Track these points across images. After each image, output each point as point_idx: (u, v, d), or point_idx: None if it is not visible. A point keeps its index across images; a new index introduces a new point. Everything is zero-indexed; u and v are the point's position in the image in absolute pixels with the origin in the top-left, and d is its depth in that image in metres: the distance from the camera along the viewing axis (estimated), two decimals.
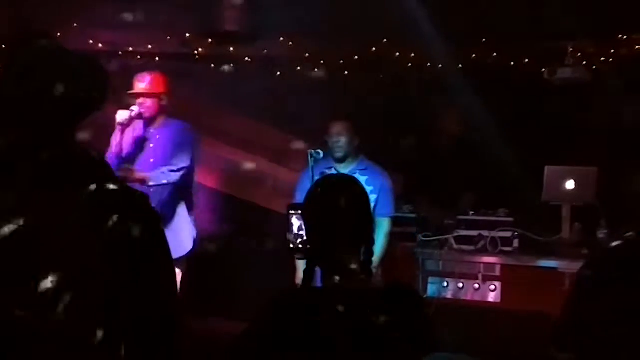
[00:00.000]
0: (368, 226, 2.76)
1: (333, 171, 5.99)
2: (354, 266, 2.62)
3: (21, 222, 1.88)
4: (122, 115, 5.86)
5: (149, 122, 6.06)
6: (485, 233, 6.52)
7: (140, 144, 6.04)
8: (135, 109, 5.92)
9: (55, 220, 1.90)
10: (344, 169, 6.05)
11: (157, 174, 5.90)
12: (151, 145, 6.03)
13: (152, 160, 5.97)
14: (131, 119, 5.92)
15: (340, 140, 6.09)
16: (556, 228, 6.56)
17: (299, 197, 6.15)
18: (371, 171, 6.00)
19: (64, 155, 1.97)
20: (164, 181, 5.90)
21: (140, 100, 5.96)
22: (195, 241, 6.14)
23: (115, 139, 5.89)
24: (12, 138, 1.94)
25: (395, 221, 6.63)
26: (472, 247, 6.55)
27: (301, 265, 6.21)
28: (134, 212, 1.99)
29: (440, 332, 5.75)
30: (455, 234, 6.64)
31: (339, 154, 6.08)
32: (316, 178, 6.20)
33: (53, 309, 1.86)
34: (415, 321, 2.62)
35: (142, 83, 5.98)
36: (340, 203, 2.68)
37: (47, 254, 1.88)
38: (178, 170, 5.94)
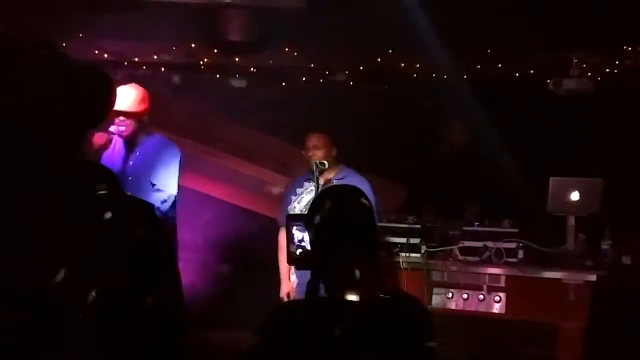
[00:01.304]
0: (372, 237, 2.76)
1: (312, 183, 6.01)
2: (358, 277, 2.62)
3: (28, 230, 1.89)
4: (99, 140, 5.60)
5: (128, 140, 5.81)
6: (490, 244, 6.50)
7: (118, 161, 5.81)
8: (113, 129, 5.65)
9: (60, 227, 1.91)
10: (322, 179, 6.05)
11: None
12: (130, 162, 5.81)
13: (130, 179, 5.70)
14: (109, 142, 5.67)
15: (315, 153, 6.10)
16: (561, 239, 6.54)
17: (282, 208, 6.21)
18: (351, 179, 5.96)
19: (69, 166, 1.98)
20: None
21: (121, 118, 5.68)
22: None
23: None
24: (19, 147, 1.95)
25: (400, 232, 6.63)
26: (476, 258, 6.53)
27: (285, 277, 6.26)
28: (143, 223, 1.99)
29: (445, 343, 5.75)
30: (460, 245, 6.62)
31: (321, 168, 6.05)
32: (298, 190, 6.25)
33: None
34: (419, 332, 2.62)
35: (124, 101, 5.62)
36: (345, 214, 2.68)
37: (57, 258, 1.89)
38: (167, 200, 5.71)
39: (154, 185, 5.74)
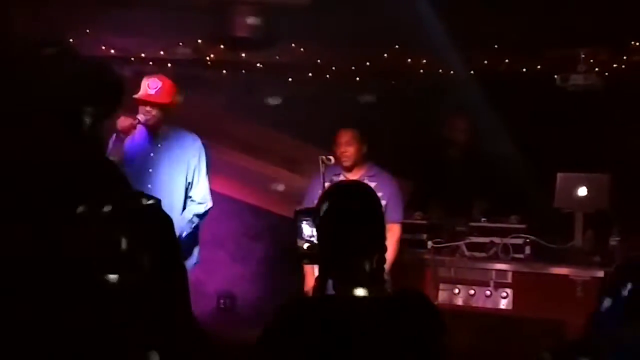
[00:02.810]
0: (380, 233, 2.75)
1: (341, 177, 6.03)
2: (366, 274, 2.61)
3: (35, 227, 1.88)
4: (123, 123, 5.53)
5: (151, 130, 5.83)
6: (497, 240, 6.50)
7: (140, 152, 5.82)
8: (141, 117, 5.65)
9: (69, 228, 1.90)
10: (352, 176, 6.08)
11: (184, 224, 5.71)
12: (152, 154, 5.83)
13: (150, 170, 5.76)
14: (133, 128, 5.63)
15: (347, 150, 6.14)
16: (568, 235, 6.53)
17: (308, 203, 6.19)
18: (380, 177, 6.04)
19: (79, 162, 1.97)
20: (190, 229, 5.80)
21: (147, 108, 5.70)
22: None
23: (114, 146, 5.52)
24: (27, 143, 1.94)
25: (407, 228, 6.63)
26: (483, 254, 6.54)
27: (310, 271, 6.25)
28: (148, 226, 1.98)
29: (452, 339, 5.74)
30: (467, 241, 6.62)
31: (347, 163, 6.13)
32: (326, 184, 6.24)
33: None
34: (427, 329, 2.61)
35: (152, 90, 5.69)
36: (353, 210, 2.68)
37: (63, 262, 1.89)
38: (206, 214, 5.88)
39: (190, 197, 5.87)
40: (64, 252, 1.89)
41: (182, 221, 5.73)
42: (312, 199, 6.29)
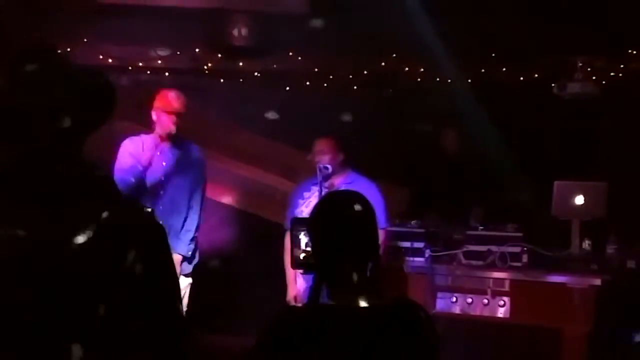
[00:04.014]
0: (374, 242, 2.75)
1: (321, 187, 6.06)
2: (360, 282, 2.62)
3: (23, 237, 1.88)
4: (163, 131, 5.90)
5: (169, 140, 6.02)
6: (494, 248, 6.50)
7: (147, 160, 5.96)
8: (172, 128, 5.89)
9: (59, 238, 1.90)
10: (330, 184, 6.08)
11: (187, 247, 6.00)
12: (164, 163, 5.98)
13: (162, 179, 5.97)
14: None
15: (323, 159, 6.13)
16: (565, 243, 6.54)
17: (290, 212, 6.23)
18: (358, 184, 5.96)
19: (69, 172, 1.97)
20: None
21: (174, 119, 5.90)
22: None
23: (146, 157, 5.87)
24: (16, 153, 1.94)
25: (404, 236, 6.64)
26: (481, 262, 6.53)
27: (292, 279, 6.27)
28: (140, 237, 1.98)
29: (448, 348, 5.74)
30: (464, 249, 6.62)
31: (324, 172, 6.10)
32: (305, 194, 6.26)
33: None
34: (422, 338, 2.61)
35: (177, 102, 5.94)
36: (347, 218, 2.68)
37: (50, 270, 1.89)
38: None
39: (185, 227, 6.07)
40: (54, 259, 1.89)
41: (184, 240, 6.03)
42: (294, 208, 6.33)
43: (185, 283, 6.02)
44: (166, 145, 6.01)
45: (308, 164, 6.27)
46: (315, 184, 6.14)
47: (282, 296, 6.41)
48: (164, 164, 5.97)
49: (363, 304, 2.59)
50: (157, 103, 5.95)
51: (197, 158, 6.15)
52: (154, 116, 5.97)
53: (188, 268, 6.09)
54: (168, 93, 6.00)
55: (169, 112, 5.91)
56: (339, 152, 6.20)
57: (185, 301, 5.99)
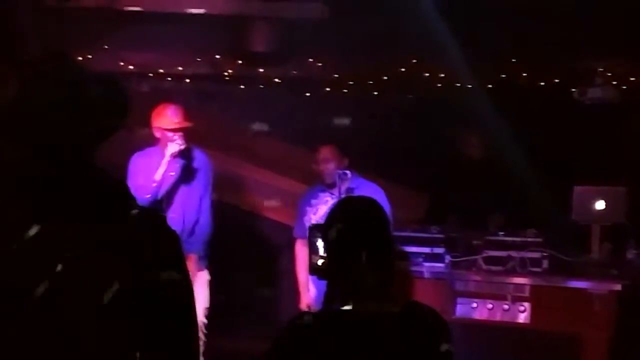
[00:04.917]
0: (389, 248, 2.76)
1: (327, 194, 6.09)
2: (376, 289, 2.62)
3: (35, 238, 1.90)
4: (173, 149, 5.82)
5: (178, 155, 5.99)
6: (514, 253, 6.48)
7: (158, 171, 5.94)
8: (181, 143, 5.84)
9: (73, 240, 1.92)
10: (335, 191, 6.09)
11: (201, 247, 6.05)
12: (172, 173, 5.96)
13: (172, 189, 5.99)
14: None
15: (327, 167, 6.15)
16: (585, 248, 6.52)
17: (299, 219, 6.27)
18: (362, 189, 5.98)
19: (84, 177, 1.99)
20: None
21: (181, 135, 5.84)
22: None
23: (159, 172, 5.83)
24: (30, 157, 1.96)
25: (424, 241, 6.64)
26: (501, 268, 6.52)
27: (304, 287, 6.28)
28: (157, 242, 2.00)
29: (469, 353, 5.73)
30: (484, 255, 6.60)
31: (329, 180, 6.13)
32: (313, 201, 6.28)
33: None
34: (437, 343, 2.62)
35: (177, 118, 5.86)
36: (361, 224, 2.69)
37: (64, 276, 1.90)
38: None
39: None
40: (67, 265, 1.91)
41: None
42: (302, 216, 6.35)
43: (204, 279, 6.08)
44: (174, 157, 5.97)
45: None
46: (323, 191, 6.20)
47: (287, 301, 6.42)
48: (172, 174, 5.96)
49: (378, 310, 2.60)
50: (158, 122, 5.88)
51: (202, 162, 6.13)
52: (157, 134, 5.92)
53: (204, 263, 6.14)
54: (166, 109, 5.90)
55: (175, 130, 5.86)
56: (343, 157, 6.21)
57: (206, 295, 6.07)
